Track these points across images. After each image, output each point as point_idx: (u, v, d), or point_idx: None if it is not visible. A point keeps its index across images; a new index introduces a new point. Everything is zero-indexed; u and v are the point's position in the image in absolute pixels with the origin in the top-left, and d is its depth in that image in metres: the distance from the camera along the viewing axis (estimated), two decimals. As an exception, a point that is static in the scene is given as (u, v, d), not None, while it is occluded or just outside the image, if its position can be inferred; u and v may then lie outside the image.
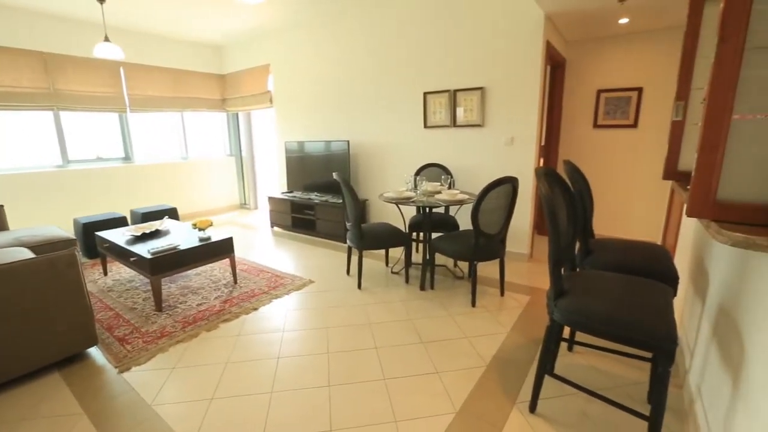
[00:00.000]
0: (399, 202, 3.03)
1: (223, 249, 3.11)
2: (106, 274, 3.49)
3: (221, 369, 2.09)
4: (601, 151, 4.29)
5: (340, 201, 4.40)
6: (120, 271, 3.61)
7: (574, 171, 2.20)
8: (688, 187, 1.77)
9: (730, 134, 1.10)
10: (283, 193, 5.15)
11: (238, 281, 3.28)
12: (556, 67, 4.22)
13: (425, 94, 4.01)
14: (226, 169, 6.46)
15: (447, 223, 3.47)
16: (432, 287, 3.13)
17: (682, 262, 2.46)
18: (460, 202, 2.97)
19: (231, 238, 3.16)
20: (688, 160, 2.06)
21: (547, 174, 1.61)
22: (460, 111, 3.84)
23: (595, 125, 4.26)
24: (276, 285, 3.21)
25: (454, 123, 3.91)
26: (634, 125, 4.05)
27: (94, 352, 2.27)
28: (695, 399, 1.72)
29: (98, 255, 3.88)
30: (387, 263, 3.69)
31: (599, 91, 4.16)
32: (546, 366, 1.67)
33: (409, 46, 4.03)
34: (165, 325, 2.54)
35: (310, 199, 4.69)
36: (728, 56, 1.08)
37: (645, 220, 4.19)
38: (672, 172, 2.11)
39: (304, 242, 4.57)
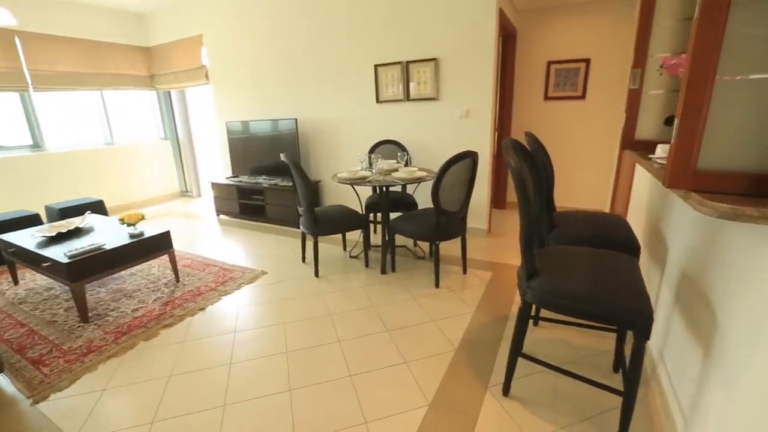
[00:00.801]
0: (354, 182, 2.83)
1: (159, 245, 2.75)
2: (16, 283, 2.99)
3: (163, 384, 1.83)
4: (552, 122, 4.34)
5: (291, 184, 4.10)
6: (35, 278, 3.11)
7: (535, 143, 2.13)
8: (651, 156, 1.75)
9: (714, 98, 1.02)
10: (227, 178, 4.73)
11: (180, 279, 2.95)
12: (507, 37, 4.13)
13: (376, 66, 3.76)
14: (161, 154, 5.83)
15: (405, 202, 3.34)
16: (393, 270, 3.01)
17: (635, 229, 2.52)
18: (419, 180, 2.83)
19: (168, 232, 2.80)
20: (646, 128, 2.05)
21: (515, 146, 1.49)
22: (413, 84, 3.65)
23: (546, 97, 4.28)
24: (225, 280, 2.92)
25: (407, 97, 3.72)
26: (582, 97, 4.11)
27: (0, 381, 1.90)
28: (657, 363, 1.76)
29: (4, 262, 3.32)
30: (345, 247, 3.51)
31: (549, 63, 4.16)
32: (519, 348, 1.61)
33: (357, 14, 3.73)
34: (93, 338, 2.20)
35: (257, 183, 4.33)
36: (713, 11, 0.98)
37: (593, 189, 4.34)
38: (630, 141, 2.09)
39: (254, 230, 4.25)
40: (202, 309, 2.50)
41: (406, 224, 2.78)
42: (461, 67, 3.42)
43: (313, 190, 2.70)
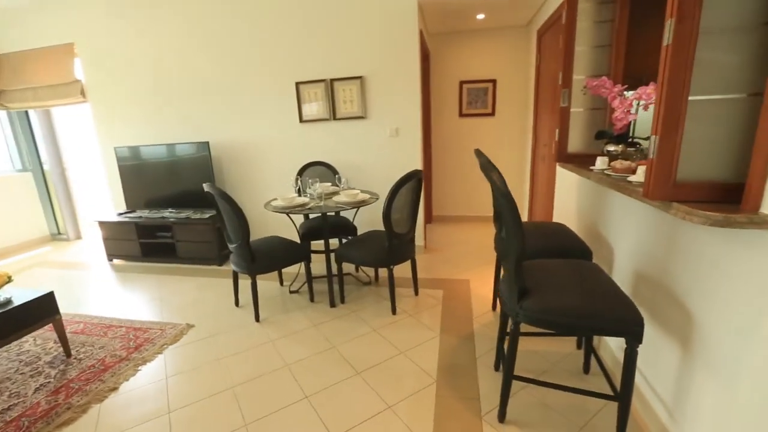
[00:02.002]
0: (292, 210, 2.56)
1: (39, 312, 2.09)
2: None
3: None
4: (468, 137, 4.61)
5: (207, 216, 3.58)
6: None
7: (487, 161, 2.17)
8: (592, 168, 1.89)
9: (688, 115, 1.11)
10: (120, 214, 3.93)
11: (72, 353, 2.28)
12: (423, 58, 4.29)
13: (298, 84, 3.54)
14: (18, 189, 4.62)
15: (344, 227, 3.16)
16: (343, 301, 2.79)
17: (567, 234, 2.74)
18: (362, 203, 2.69)
19: (51, 294, 2.15)
20: (575, 143, 2.24)
21: (490, 164, 1.47)
22: (339, 102, 3.53)
23: (461, 114, 4.55)
24: (139, 343, 2.35)
25: (334, 116, 3.57)
26: (492, 114, 4.47)
27: None
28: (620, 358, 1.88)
29: None
30: (281, 282, 3.16)
31: (462, 82, 4.43)
32: (512, 372, 1.56)
33: (275, 29, 3.48)
34: (-60, 466, 1.52)
35: (164, 218, 3.69)
36: (685, 37, 1.06)
37: (508, 197, 4.71)
38: (564, 154, 2.26)
39: (163, 274, 3.58)
40: (114, 389, 1.95)
41: (355, 251, 2.60)
42: (388, 86, 3.41)
43: (247, 223, 2.36)
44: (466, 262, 3.46)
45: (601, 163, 1.89)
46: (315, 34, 3.41)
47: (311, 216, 3.24)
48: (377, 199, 2.78)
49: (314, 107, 3.58)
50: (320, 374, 1.98)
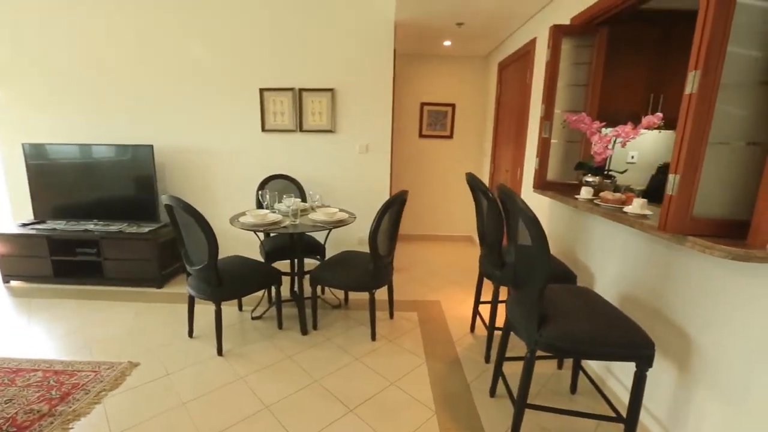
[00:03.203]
0: (266, 228, 2.32)
1: None
2: None
3: None
4: (427, 158, 4.71)
5: (146, 231, 3.10)
6: None
7: (473, 179, 2.20)
8: (577, 196, 2.01)
9: (706, 158, 1.22)
10: (25, 225, 3.22)
11: (-33, 409, 1.74)
12: (387, 77, 4.31)
13: (262, 90, 3.30)
14: None
15: (314, 246, 2.95)
16: (315, 327, 2.58)
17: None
18: (340, 223, 2.54)
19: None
20: (555, 171, 2.38)
21: (510, 189, 1.47)
22: (307, 114, 3.35)
23: (421, 135, 4.63)
24: (65, 392, 1.88)
25: (300, 127, 3.38)
26: (451, 136, 4.63)
27: None
28: (605, 377, 1.99)
29: None
30: (240, 307, 2.83)
31: (423, 104, 4.54)
32: (526, 400, 1.55)
33: (241, 25, 3.21)
34: None
35: (87, 231, 3.10)
36: (708, 88, 1.17)
37: (460, 218, 4.88)
38: (542, 182, 2.39)
39: (84, 298, 2.97)
40: (40, 455, 1.51)
41: (334, 274, 2.44)
42: (360, 101, 3.34)
43: (216, 242, 2.03)
44: (433, 282, 3.46)
45: (586, 192, 2.02)
46: (285, 38, 3.23)
47: (272, 234, 2.97)
48: (355, 218, 2.66)
49: (279, 117, 3.35)
50: (308, 415, 1.77)
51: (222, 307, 2.21)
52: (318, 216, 2.53)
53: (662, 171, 2.91)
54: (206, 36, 3.22)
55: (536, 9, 2.82)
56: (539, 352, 1.46)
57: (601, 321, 1.46)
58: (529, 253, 1.47)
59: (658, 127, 1.81)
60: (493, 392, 1.94)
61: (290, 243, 2.82)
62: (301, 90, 3.30)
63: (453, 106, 4.53)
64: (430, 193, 4.76)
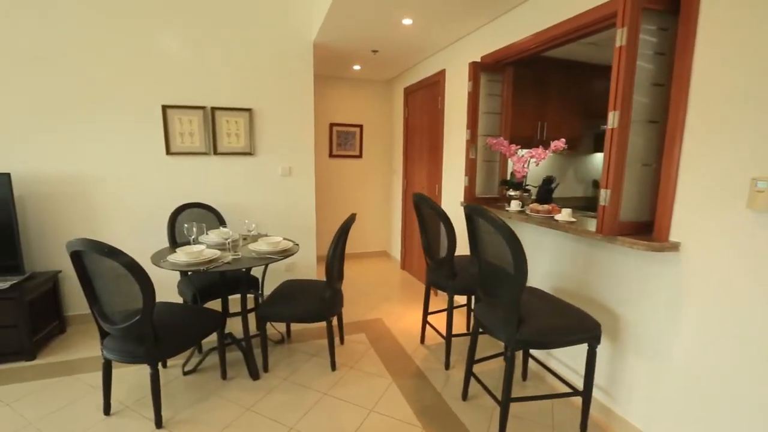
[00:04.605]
0: (207, 267, 2.04)
1: None
2: None
3: None
4: (337, 177, 4.75)
5: (7, 286, 2.35)
6: None
7: (422, 199, 2.35)
8: (508, 208, 2.34)
9: (625, 177, 1.60)
10: None
11: None
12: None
13: (165, 107, 2.88)
14: None
15: (248, 280, 2.68)
16: (266, 369, 2.35)
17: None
18: (286, 252, 2.39)
19: None
20: (483, 188, 2.72)
21: (479, 207, 1.65)
22: (222, 135, 3.06)
23: (331, 155, 4.66)
24: None
25: (214, 150, 3.06)
26: (360, 156, 4.78)
27: None
28: (547, 360, 2.34)
29: None
30: (165, 364, 2.38)
31: (332, 125, 4.57)
32: (510, 394, 1.72)
33: (141, 37, 2.74)
34: None
35: None
36: (624, 124, 1.55)
37: (373, 234, 5.04)
38: (472, 197, 2.70)
39: None
40: None
41: (285, 308, 2.28)
42: (280, 122, 3.21)
43: (153, 294, 1.63)
44: (366, 300, 3.49)
45: (515, 205, 2.37)
46: (197, 52, 2.89)
47: (186, 274, 2.59)
48: (299, 247, 2.53)
49: (188, 138, 2.97)
50: (299, 467, 1.62)
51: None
52: (260, 246, 2.33)
53: (547, 183, 3.57)
54: (95, 37, 2.66)
55: (448, 43, 3.18)
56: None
57: (560, 315, 1.74)
58: (500, 266, 1.66)
59: (562, 150, 2.25)
60: (465, 396, 2.08)
61: (221, 280, 2.52)
62: (214, 108, 2.99)
63: (361, 126, 4.70)
64: (342, 211, 4.79)
